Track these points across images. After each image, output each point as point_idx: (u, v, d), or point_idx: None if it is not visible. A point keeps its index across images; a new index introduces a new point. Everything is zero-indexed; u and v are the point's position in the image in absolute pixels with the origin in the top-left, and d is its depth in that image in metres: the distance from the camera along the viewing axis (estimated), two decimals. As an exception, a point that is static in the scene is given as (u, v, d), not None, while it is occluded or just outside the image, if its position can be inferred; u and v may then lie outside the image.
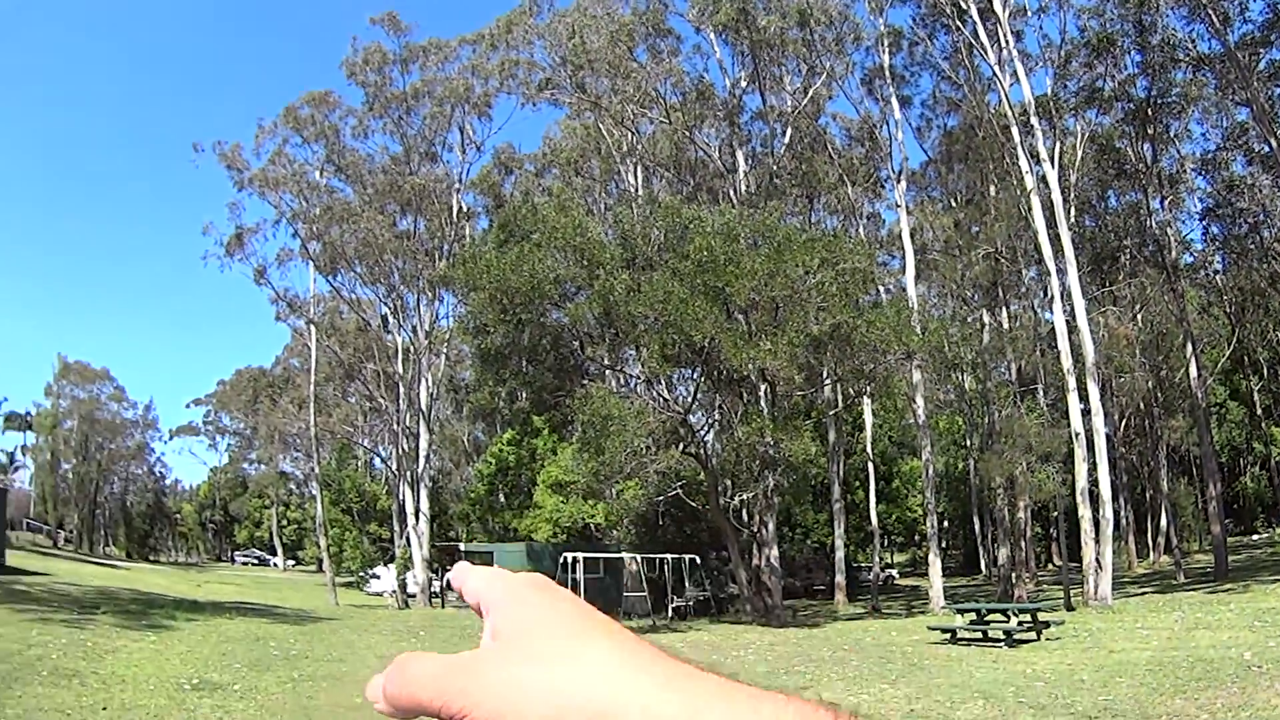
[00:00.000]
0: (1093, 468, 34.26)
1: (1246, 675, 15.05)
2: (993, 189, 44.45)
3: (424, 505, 51.81)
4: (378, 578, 63.56)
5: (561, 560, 38.30)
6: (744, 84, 46.12)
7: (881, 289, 47.67)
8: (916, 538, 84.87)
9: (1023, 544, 44.77)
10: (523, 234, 36.49)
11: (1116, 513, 43.93)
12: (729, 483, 40.21)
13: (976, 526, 69.73)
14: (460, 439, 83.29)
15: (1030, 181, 36.94)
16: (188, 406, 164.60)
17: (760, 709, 0.63)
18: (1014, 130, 37.20)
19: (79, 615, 24.77)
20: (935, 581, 40.74)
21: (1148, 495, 64.03)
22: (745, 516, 42.24)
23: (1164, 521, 58.44)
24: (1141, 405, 54.69)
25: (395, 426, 54.88)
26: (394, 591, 51.13)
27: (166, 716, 12.85)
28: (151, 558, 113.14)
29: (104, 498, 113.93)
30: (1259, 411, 68.97)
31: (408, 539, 52.14)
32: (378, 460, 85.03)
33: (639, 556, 41.12)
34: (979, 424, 49.87)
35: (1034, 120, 37.55)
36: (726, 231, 34.81)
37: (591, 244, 35.26)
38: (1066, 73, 43.73)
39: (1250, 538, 67.15)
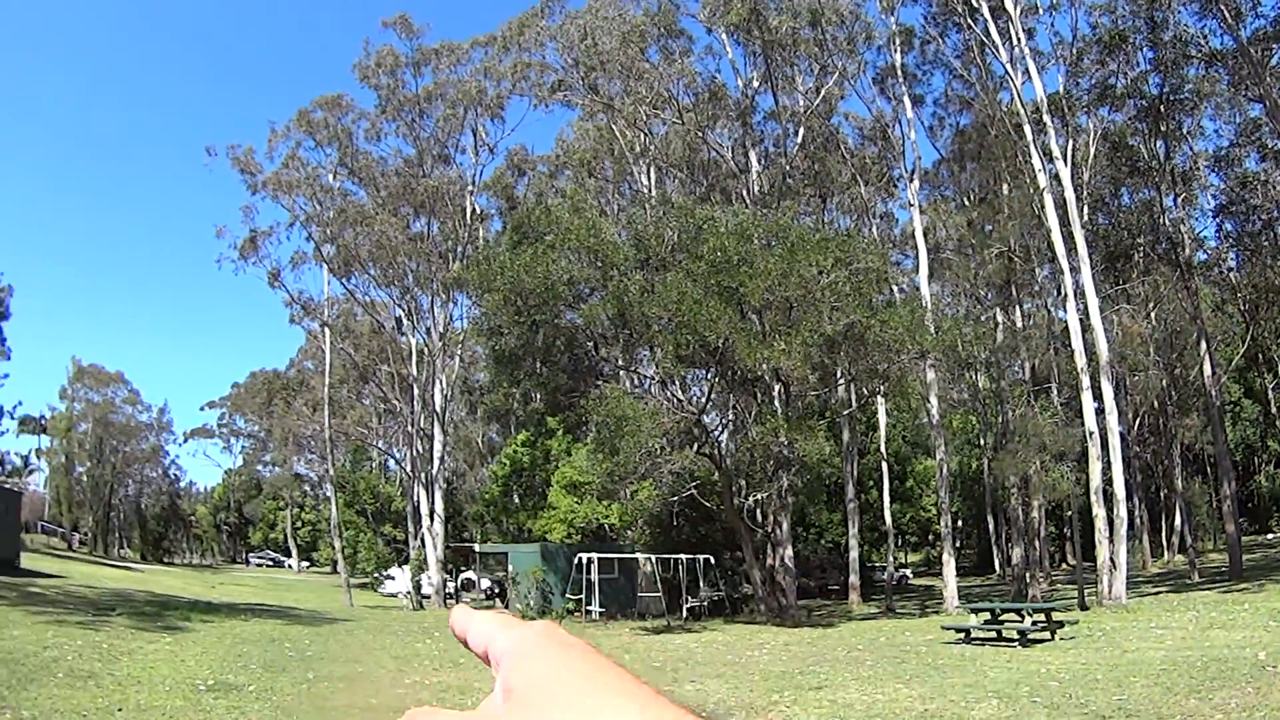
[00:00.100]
0: (1107, 467, 34.23)
1: (1261, 675, 15.06)
2: (1005, 187, 44.37)
3: (438, 506, 51.88)
4: (392, 579, 63.56)
5: (576, 561, 38.40)
6: (756, 84, 46.13)
7: (895, 288, 47.54)
8: (930, 537, 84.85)
9: (1037, 543, 44.67)
10: (536, 235, 36.55)
11: (1131, 512, 43.76)
12: (743, 483, 40.20)
13: (990, 526, 69.76)
14: (474, 440, 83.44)
15: (1043, 179, 36.90)
16: (202, 409, 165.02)
17: None
18: (1026, 128, 37.19)
19: (94, 617, 24.91)
20: (949, 581, 40.68)
21: (1162, 494, 63.93)
22: (760, 516, 42.23)
23: (1178, 520, 58.36)
24: (1155, 404, 54.60)
25: (409, 428, 54.90)
26: (408, 592, 51.12)
27: (182, 717, 12.92)
28: (166, 560, 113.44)
29: (119, 500, 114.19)
30: (1274, 409, 68.63)
31: (422, 540, 52.19)
32: (392, 462, 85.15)
33: (653, 557, 41.16)
34: (993, 423, 49.79)
35: (1046, 118, 37.49)
36: (740, 232, 34.85)
37: (605, 245, 35.30)
38: (1079, 70, 43.63)
39: (1265, 536, 67.07)
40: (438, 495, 51.95)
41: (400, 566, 62.86)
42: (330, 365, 58.25)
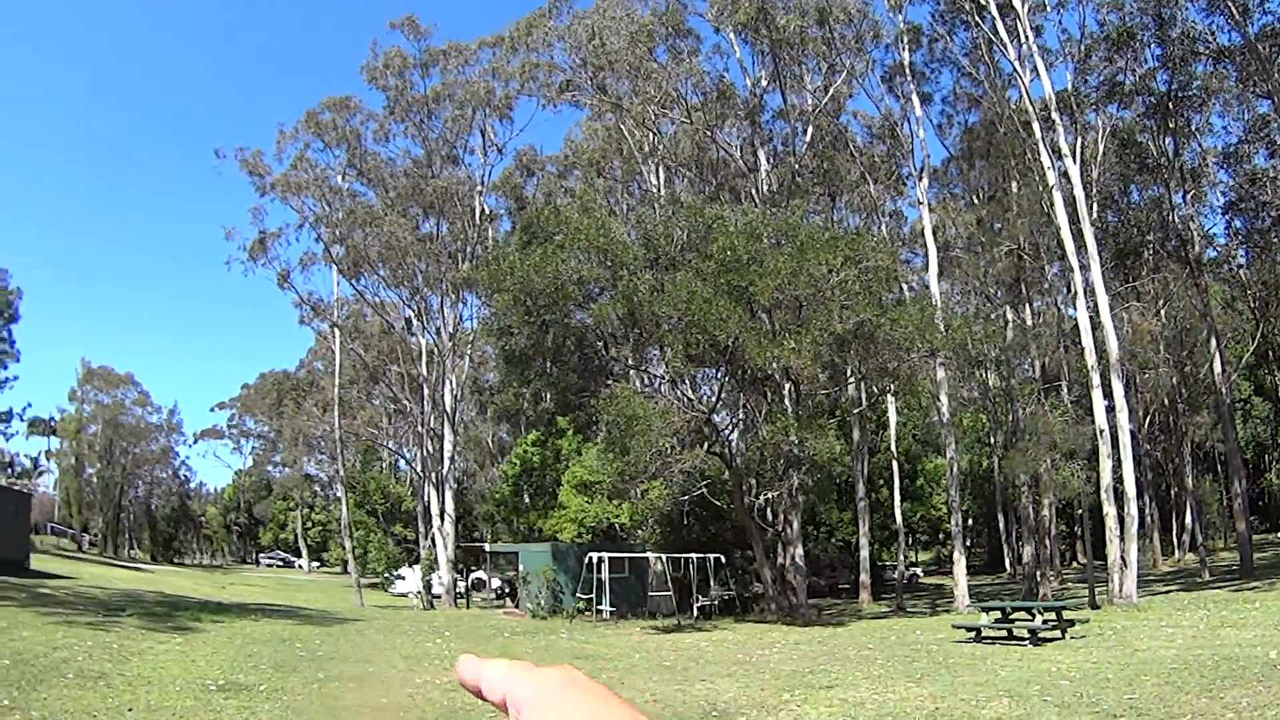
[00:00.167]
0: (1117, 465, 34.22)
1: (1272, 674, 15.05)
2: (1014, 185, 44.32)
3: (449, 506, 51.99)
4: (402, 579, 63.70)
5: (587, 560, 38.44)
6: (764, 83, 46.11)
7: (904, 286, 47.52)
8: (941, 536, 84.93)
9: (1047, 542, 44.60)
10: (546, 235, 36.61)
11: (1141, 510, 43.70)
12: (754, 482, 40.18)
13: (1001, 524, 69.78)
14: (485, 440, 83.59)
15: (1052, 177, 36.88)
16: (212, 410, 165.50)
17: None
18: (1035, 126, 37.16)
19: (104, 618, 24.96)
20: (960, 580, 40.70)
21: (1172, 492, 63.86)
22: (770, 515, 42.21)
23: (1189, 519, 58.28)
24: (1165, 401, 54.56)
25: (420, 428, 55.02)
26: (419, 592, 51.21)
27: (192, 717, 12.95)
28: (176, 560, 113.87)
29: (129, 501, 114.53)
30: (1285, 407, 68.68)
31: (432, 540, 52.30)
32: (402, 462, 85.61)
33: (664, 556, 41.17)
34: (1003, 421, 49.73)
35: (1055, 115, 37.48)
36: (749, 231, 34.87)
37: (615, 245, 35.31)
38: (1087, 67, 43.56)
39: (1276, 535, 66.98)
40: (448, 495, 52.06)
41: (411, 566, 62.99)
42: (340, 366, 58.42)
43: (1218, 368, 44.94)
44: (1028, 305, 48.17)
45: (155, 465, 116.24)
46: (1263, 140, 44.84)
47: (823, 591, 53.25)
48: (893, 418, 53.35)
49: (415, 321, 56.22)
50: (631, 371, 40.96)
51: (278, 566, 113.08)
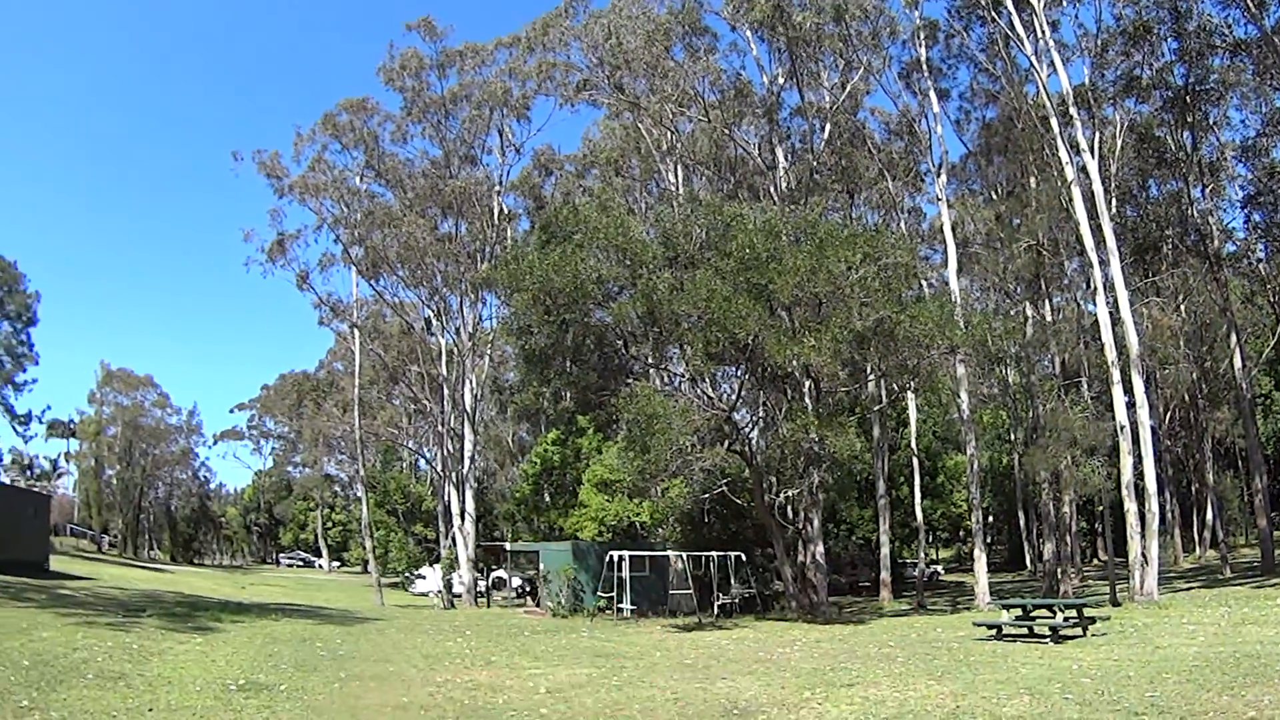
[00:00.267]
0: (1138, 461, 34.10)
1: (1295, 671, 15.02)
2: (1033, 181, 44.15)
3: (469, 505, 52.17)
4: (423, 578, 63.81)
5: (608, 558, 38.48)
6: (781, 80, 46.08)
7: (924, 283, 47.41)
8: (961, 533, 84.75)
9: (1068, 539, 44.49)
10: (564, 234, 36.65)
11: (1162, 506, 43.62)
12: (774, 480, 40.13)
13: (1021, 521, 69.70)
14: (505, 439, 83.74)
15: (1070, 172, 36.75)
16: (232, 411, 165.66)
17: None
18: (1053, 121, 37.03)
19: (124, 618, 25.03)
20: (980, 577, 40.63)
21: (1193, 489, 63.73)
22: (790, 513, 42.17)
23: (1210, 515, 58.16)
24: (1186, 397, 54.45)
25: (440, 428, 55.13)
26: (439, 591, 51.33)
27: (213, 717, 12.96)
28: (196, 561, 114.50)
29: (148, 502, 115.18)
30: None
31: (453, 539, 52.46)
32: (422, 462, 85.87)
33: (685, 554, 41.23)
34: (1023, 418, 49.61)
35: (1072, 110, 37.39)
36: (768, 228, 34.87)
37: (633, 243, 35.32)
38: (1104, 62, 43.51)
39: (1298, 529, 66.62)
40: (468, 494, 52.23)
41: (431, 565, 63.12)
42: (360, 366, 58.64)
43: (1238, 363, 44.79)
44: (1047, 301, 48.00)
45: (175, 466, 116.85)
46: (1281, 133, 44.70)
47: (843, 589, 53.26)
48: (913, 415, 53.30)
49: (435, 321, 56.31)
50: (651, 370, 40.94)
51: (298, 566, 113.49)
